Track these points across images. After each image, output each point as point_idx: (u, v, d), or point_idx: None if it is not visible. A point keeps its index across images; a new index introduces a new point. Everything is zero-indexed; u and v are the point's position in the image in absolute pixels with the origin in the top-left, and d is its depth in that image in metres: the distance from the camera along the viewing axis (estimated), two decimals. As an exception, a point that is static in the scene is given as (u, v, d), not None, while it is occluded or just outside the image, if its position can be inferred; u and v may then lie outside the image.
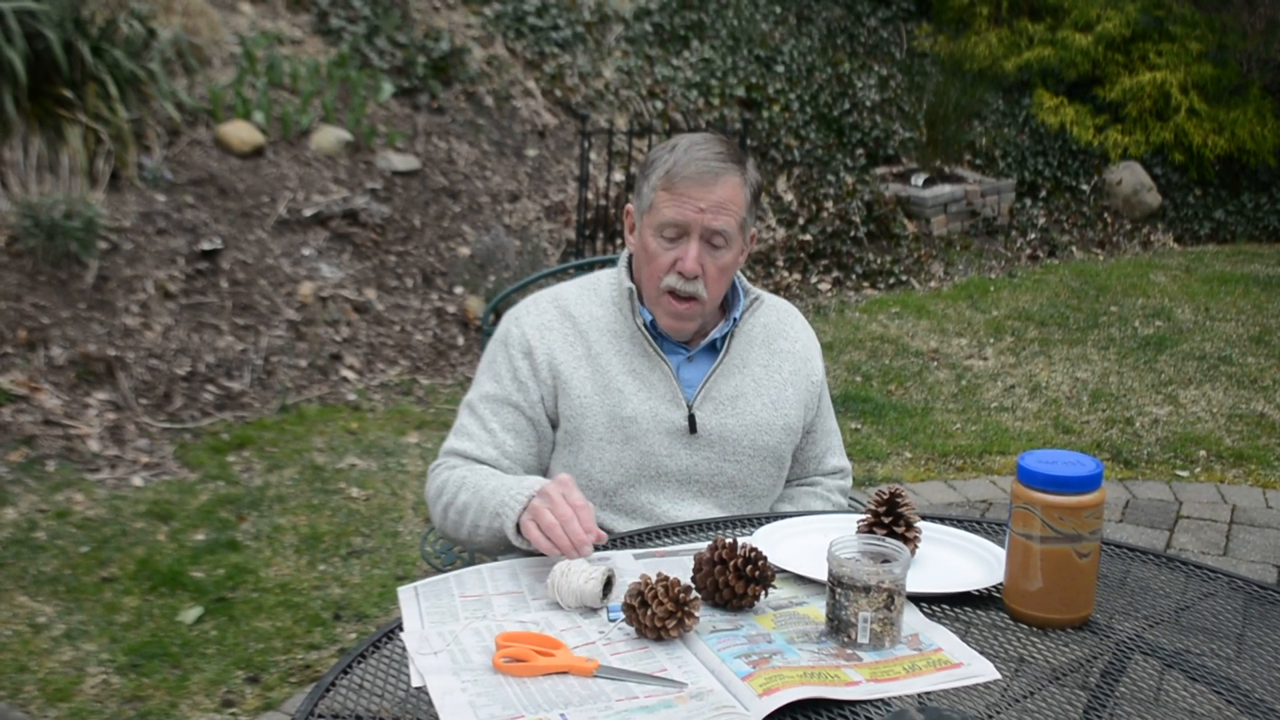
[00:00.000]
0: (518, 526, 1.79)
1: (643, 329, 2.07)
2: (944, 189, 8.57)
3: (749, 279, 7.24)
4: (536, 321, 2.10)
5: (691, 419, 2.06)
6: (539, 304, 2.14)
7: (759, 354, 2.15)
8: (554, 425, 2.09)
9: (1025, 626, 1.60)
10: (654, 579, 1.53)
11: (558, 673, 1.45)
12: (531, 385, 2.07)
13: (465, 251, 6.47)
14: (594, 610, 1.61)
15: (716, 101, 8.39)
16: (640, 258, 2.07)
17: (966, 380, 5.99)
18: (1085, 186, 9.64)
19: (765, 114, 8.53)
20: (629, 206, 2.12)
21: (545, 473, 2.13)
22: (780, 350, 2.18)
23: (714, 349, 2.12)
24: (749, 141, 7.76)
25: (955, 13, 10.60)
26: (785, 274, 7.57)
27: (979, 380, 5.99)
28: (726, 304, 2.16)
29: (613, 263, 2.24)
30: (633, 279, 2.12)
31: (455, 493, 1.97)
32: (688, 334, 2.09)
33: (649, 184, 2.03)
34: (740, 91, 8.57)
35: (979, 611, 1.65)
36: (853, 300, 7.45)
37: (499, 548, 1.95)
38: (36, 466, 4.40)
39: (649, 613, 1.51)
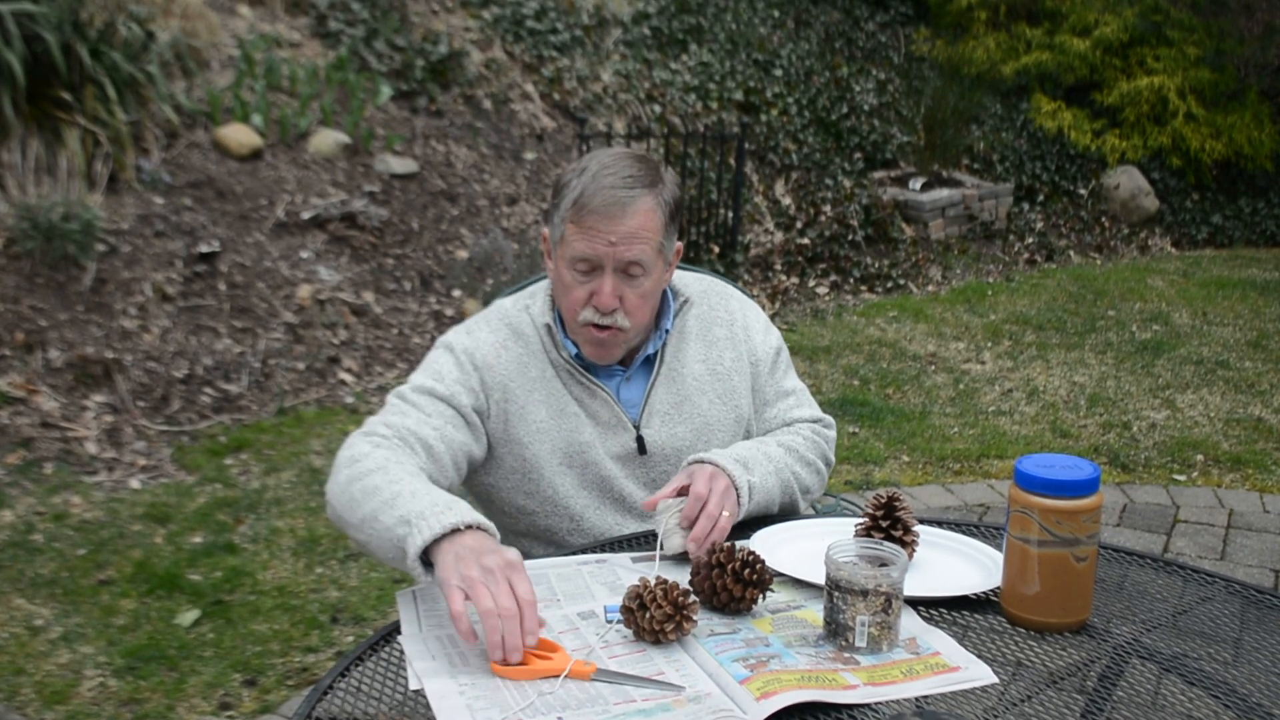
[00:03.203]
0: (426, 561, 1.56)
1: (569, 361, 1.98)
2: (942, 193, 8.58)
3: (745, 282, 7.23)
4: (491, 339, 2.00)
5: (640, 441, 1.99)
6: (490, 323, 2.03)
7: (696, 349, 2.06)
8: (491, 448, 1.99)
9: (1023, 630, 1.60)
10: (652, 582, 1.53)
11: (555, 676, 1.45)
12: (479, 394, 1.96)
13: (463, 254, 6.47)
14: (595, 614, 1.62)
15: (714, 105, 8.40)
16: (558, 288, 1.97)
17: (964, 384, 5.99)
18: (1083, 191, 9.65)
19: (763, 118, 8.54)
20: (544, 231, 2.01)
21: (493, 498, 2.04)
22: (718, 339, 2.08)
23: (650, 363, 2.04)
24: (747, 145, 7.77)
25: (953, 17, 10.62)
26: (783, 278, 7.57)
27: (976, 384, 6.00)
28: (659, 315, 2.05)
29: None
30: (555, 307, 2.03)
31: (370, 470, 1.73)
32: (613, 360, 2.00)
33: (559, 213, 1.91)
34: (738, 95, 8.58)
35: (976, 615, 1.65)
36: (850, 304, 7.46)
37: (383, 554, 1.66)
38: (34, 469, 4.39)
39: (647, 616, 1.51)
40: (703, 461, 1.87)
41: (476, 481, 2.04)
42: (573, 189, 1.89)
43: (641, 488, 2.01)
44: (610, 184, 1.87)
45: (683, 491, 1.82)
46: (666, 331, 2.04)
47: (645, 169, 1.92)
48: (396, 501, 1.64)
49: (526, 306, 2.05)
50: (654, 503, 1.80)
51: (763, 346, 2.12)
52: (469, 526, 1.56)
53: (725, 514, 1.78)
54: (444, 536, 1.55)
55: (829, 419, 2.17)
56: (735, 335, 2.10)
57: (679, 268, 2.15)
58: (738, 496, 1.84)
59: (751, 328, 2.12)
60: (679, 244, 2.02)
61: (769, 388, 2.12)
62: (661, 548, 1.75)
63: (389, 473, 1.71)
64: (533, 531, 2.03)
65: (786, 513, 2.00)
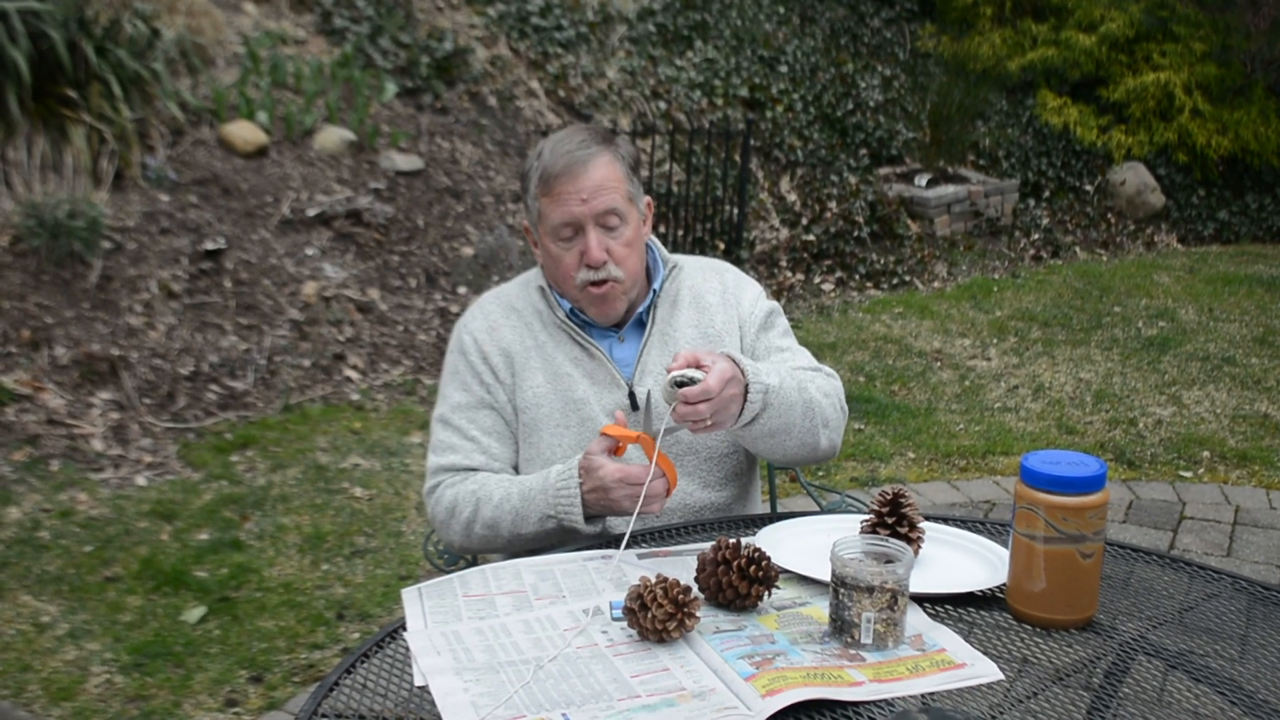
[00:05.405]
0: (586, 517, 1.91)
1: (565, 320, 2.10)
2: (947, 189, 8.57)
3: (755, 278, 7.25)
4: (484, 325, 2.14)
5: (632, 396, 2.07)
6: (483, 308, 2.18)
7: (688, 315, 2.15)
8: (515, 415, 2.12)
9: (1029, 627, 1.60)
10: (653, 580, 1.53)
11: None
12: (497, 385, 2.10)
13: (468, 251, 6.48)
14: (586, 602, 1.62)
15: (720, 102, 8.39)
16: (550, 267, 2.09)
17: (970, 381, 5.98)
18: (1089, 187, 9.63)
19: (769, 114, 8.53)
20: (525, 223, 2.15)
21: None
22: (710, 305, 2.16)
23: (642, 324, 2.14)
24: (752, 141, 7.76)
25: (959, 13, 10.60)
26: (789, 274, 7.57)
27: (982, 381, 5.99)
28: (650, 279, 2.17)
29: None
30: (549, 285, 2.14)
31: (475, 510, 2.00)
32: (618, 315, 2.11)
33: (530, 195, 2.06)
34: (744, 92, 8.57)
35: (982, 612, 1.65)
36: (856, 301, 7.45)
37: (548, 541, 1.99)
38: (40, 466, 4.40)
39: (649, 615, 1.51)
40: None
41: None
42: (535, 170, 2.05)
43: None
44: (566, 149, 2.02)
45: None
46: (655, 292, 2.13)
47: (596, 132, 2.07)
48: (524, 512, 1.96)
49: (525, 283, 2.18)
50: (675, 367, 1.82)
51: (751, 309, 2.18)
52: (577, 481, 1.90)
53: (726, 395, 1.81)
54: (581, 501, 1.89)
55: (831, 370, 2.17)
56: (727, 301, 2.18)
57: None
58: (746, 390, 1.86)
59: (743, 294, 2.20)
60: (648, 198, 2.14)
61: (759, 343, 2.17)
62: (650, 399, 1.86)
63: (490, 500, 1.99)
64: None
65: (808, 447, 2.00)
